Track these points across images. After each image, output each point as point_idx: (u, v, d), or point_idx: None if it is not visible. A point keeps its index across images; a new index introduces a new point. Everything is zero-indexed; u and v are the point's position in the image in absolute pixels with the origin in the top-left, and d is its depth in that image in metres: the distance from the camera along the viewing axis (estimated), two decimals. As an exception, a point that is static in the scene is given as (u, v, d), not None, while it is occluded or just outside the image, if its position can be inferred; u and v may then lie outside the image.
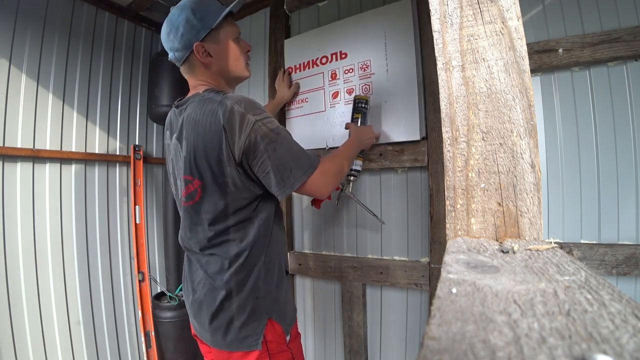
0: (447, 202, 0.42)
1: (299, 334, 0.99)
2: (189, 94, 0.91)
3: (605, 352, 0.17)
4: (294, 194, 1.60)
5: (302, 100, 1.56)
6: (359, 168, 1.31)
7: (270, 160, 0.77)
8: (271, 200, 0.88)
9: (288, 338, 0.90)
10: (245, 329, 0.84)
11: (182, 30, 0.83)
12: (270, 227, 0.88)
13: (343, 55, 1.44)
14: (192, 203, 0.85)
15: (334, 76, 1.46)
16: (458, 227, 0.41)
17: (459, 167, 0.41)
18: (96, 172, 1.66)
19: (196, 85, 0.90)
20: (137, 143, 1.86)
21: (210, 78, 0.90)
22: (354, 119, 1.28)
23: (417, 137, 1.29)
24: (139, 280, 1.76)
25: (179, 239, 0.98)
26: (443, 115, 0.42)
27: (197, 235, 0.87)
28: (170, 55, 0.89)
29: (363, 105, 1.28)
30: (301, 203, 1.65)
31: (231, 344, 0.85)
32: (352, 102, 1.32)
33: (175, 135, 0.89)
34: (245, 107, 0.77)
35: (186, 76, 0.92)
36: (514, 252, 0.34)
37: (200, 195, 0.82)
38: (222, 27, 0.87)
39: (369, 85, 1.37)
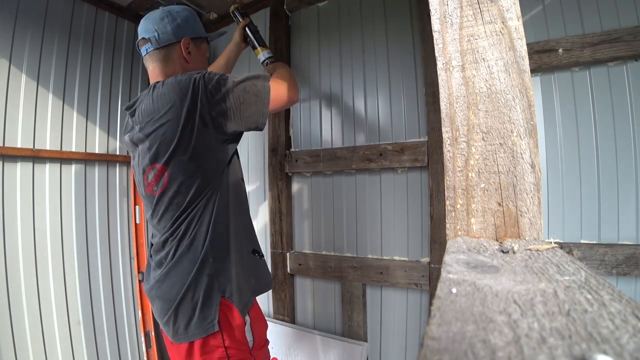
0: (447, 202, 0.42)
1: (263, 325, 0.97)
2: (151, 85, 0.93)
3: (605, 352, 0.17)
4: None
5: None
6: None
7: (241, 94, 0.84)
8: (220, 181, 0.88)
9: (248, 320, 0.89)
10: (202, 311, 0.82)
11: (180, 21, 0.90)
12: (213, 204, 0.86)
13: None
14: (162, 190, 0.84)
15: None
16: (458, 227, 0.41)
17: (459, 167, 0.41)
18: (96, 172, 1.66)
19: (162, 74, 0.90)
20: (137, 143, 1.86)
21: (181, 72, 0.90)
22: (259, 45, 1.20)
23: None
24: (139, 280, 1.76)
25: (151, 236, 0.97)
26: (443, 115, 0.42)
27: (165, 222, 0.86)
28: (152, 35, 0.88)
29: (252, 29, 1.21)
30: (301, 203, 1.65)
31: (191, 332, 0.83)
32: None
33: (129, 133, 0.91)
34: (195, 72, 0.83)
35: (154, 63, 0.91)
36: (514, 252, 0.34)
37: (168, 180, 0.82)
38: (204, 42, 0.98)
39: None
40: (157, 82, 0.86)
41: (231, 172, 0.91)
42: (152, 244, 0.95)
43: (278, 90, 0.89)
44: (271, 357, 1.33)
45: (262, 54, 1.19)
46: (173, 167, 0.81)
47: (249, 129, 0.88)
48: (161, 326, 0.91)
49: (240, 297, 0.88)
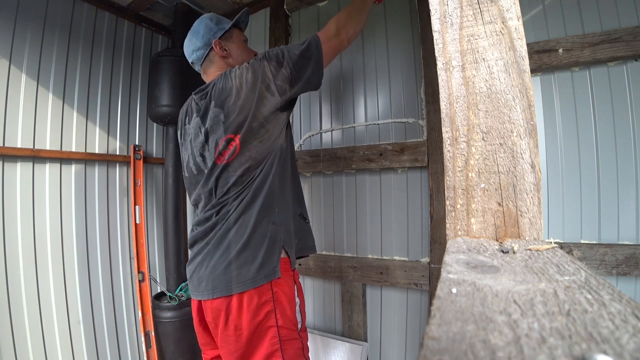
0: (447, 202, 0.42)
1: (305, 311, 1.02)
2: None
3: (605, 352, 0.17)
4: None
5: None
6: None
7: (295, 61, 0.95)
8: (282, 142, 0.99)
9: (297, 302, 0.96)
10: (266, 256, 0.89)
11: (202, 32, 1.03)
12: (274, 163, 0.96)
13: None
14: (233, 158, 0.93)
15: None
16: (458, 227, 0.41)
17: (459, 167, 0.41)
18: (96, 172, 1.66)
19: (216, 75, 1.03)
20: (137, 143, 1.86)
21: (228, 67, 1.04)
22: None
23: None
24: (139, 280, 1.76)
25: (197, 206, 1.03)
26: (443, 115, 0.42)
27: (222, 188, 0.94)
28: (193, 57, 1.05)
29: None
30: (301, 203, 1.65)
31: (250, 278, 0.87)
32: None
33: (196, 115, 1.00)
34: (261, 54, 0.96)
35: (206, 72, 1.06)
36: (514, 252, 0.34)
37: (240, 147, 0.92)
38: (233, 31, 1.08)
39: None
40: (226, 70, 0.98)
41: (289, 135, 1.04)
42: (198, 210, 1.03)
43: (329, 44, 0.98)
44: None
45: None
46: (245, 134, 0.91)
47: (309, 90, 0.99)
48: (204, 288, 0.91)
49: (291, 251, 0.96)
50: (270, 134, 0.95)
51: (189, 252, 1.01)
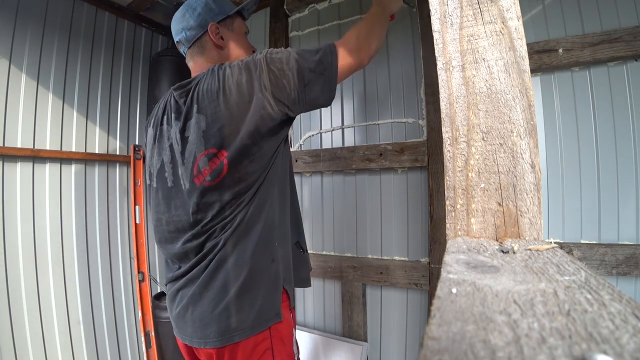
0: (447, 202, 0.42)
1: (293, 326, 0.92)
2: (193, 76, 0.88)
3: (605, 352, 0.17)
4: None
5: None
6: None
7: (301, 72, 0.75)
8: (277, 163, 0.83)
9: (294, 333, 0.85)
10: (267, 299, 0.76)
11: (200, 10, 0.85)
12: (269, 189, 0.81)
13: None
14: (220, 179, 0.75)
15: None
16: (458, 227, 0.41)
17: (459, 167, 0.41)
18: (96, 172, 1.66)
19: (203, 67, 0.87)
20: (137, 143, 1.86)
21: (220, 60, 0.87)
22: None
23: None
24: (139, 280, 1.76)
25: (163, 233, 0.86)
26: (443, 115, 0.42)
27: (204, 215, 0.77)
28: (181, 37, 0.87)
29: None
30: (301, 203, 1.65)
31: (248, 325, 0.75)
32: None
33: (175, 117, 0.81)
34: (259, 53, 0.77)
35: (193, 59, 0.89)
36: (514, 252, 0.34)
37: (228, 166, 0.74)
38: (236, 19, 0.91)
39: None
40: (214, 66, 0.80)
41: (287, 151, 0.87)
42: (167, 238, 0.86)
43: (347, 61, 0.79)
44: None
45: None
46: (235, 152, 0.73)
47: (314, 109, 0.83)
48: (192, 333, 0.79)
49: (290, 288, 0.83)
50: (264, 151, 0.77)
51: (165, 287, 0.87)
